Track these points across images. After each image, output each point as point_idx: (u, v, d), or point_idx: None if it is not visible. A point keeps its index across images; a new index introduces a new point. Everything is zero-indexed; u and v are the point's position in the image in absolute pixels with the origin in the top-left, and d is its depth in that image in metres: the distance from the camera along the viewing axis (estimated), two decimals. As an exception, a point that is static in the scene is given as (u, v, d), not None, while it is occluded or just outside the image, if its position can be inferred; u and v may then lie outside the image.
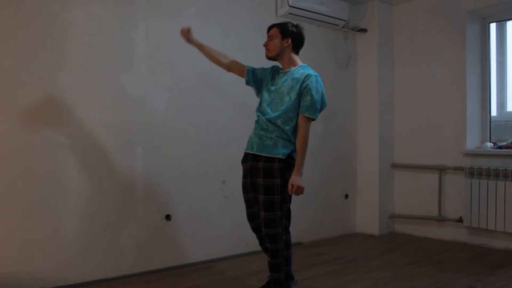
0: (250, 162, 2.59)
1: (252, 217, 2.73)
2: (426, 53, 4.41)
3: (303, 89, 2.50)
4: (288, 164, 2.52)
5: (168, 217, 3.34)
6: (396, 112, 4.67)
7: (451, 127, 4.22)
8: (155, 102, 3.28)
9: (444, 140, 4.27)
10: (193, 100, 3.48)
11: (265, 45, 2.67)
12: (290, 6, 3.90)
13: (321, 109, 2.58)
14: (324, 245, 4.09)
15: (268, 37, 2.66)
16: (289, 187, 2.48)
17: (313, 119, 2.52)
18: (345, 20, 4.38)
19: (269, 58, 2.69)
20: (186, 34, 2.82)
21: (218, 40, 3.63)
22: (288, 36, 2.60)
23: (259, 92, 2.81)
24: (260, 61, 3.89)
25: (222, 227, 3.64)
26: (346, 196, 4.59)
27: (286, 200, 2.59)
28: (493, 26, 4.26)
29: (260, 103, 2.69)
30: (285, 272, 2.60)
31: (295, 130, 2.53)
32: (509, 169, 3.76)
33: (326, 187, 4.40)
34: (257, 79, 2.81)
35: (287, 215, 2.68)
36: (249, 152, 2.62)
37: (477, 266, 3.37)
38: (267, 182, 2.49)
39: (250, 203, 2.69)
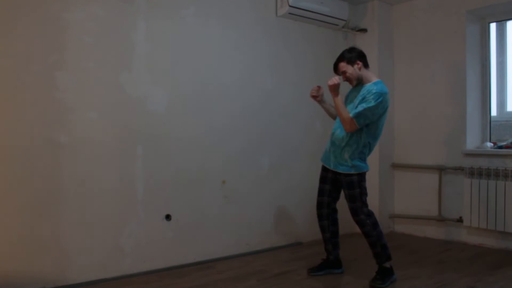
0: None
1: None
2: (426, 53, 4.41)
3: (362, 98, 2.88)
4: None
5: (168, 217, 3.34)
6: (396, 112, 4.67)
7: (451, 127, 4.22)
8: (155, 102, 3.28)
9: (444, 140, 4.27)
10: (193, 100, 3.48)
11: (345, 80, 3.02)
12: (290, 6, 3.90)
13: (368, 123, 2.88)
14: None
15: (342, 73, 3.01)
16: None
17: (356, 120, 2.84)
18: (345, 20, 4.38)
19: (355, 86, 3.05)
20: (318, 96, 3.16)
21: (218, 40, 3.63)
22: (354, 60, 2.96)
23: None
24: (260, 60, 3.91)
25: (222, 227, 3.64)
26: (346, 196, 4.58)
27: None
28: (493, 26, 4.26)
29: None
30: (382, 245, 2.96)
31: (359, 137, 2.93)
32: (509, 169, 3.77)
33: (326, 187, 4.40)
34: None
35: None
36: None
37: (477, 266, 3.37)
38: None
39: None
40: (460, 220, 4.13)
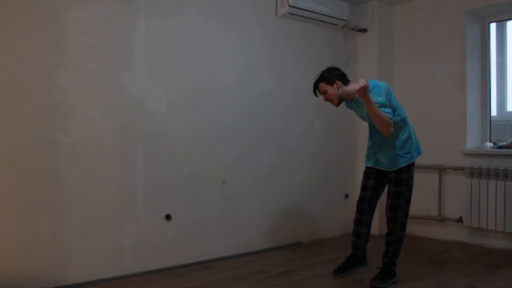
0: None
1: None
2: (426, 53, 4.41)
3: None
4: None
5: (168, 217, 3.34)
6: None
7: (451, 127, 4.22)
8: (155, 102, 3.28)
9: (444, 140, 4.27)
10: (193, 99, 3.48)
11: (326, 100, 3.01)
12: (290, 6, 3.89)
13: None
14: (324, 245, 4.09)
15: (322, 94, 3.01)
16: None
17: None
18: (345, 20, 4.38)
19: (338, 105, 3.05)
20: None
21: (218, 40, 3.63)
22: (333, 80, 2.95)
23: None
24: (260, 60, 3.91)
25: (222, 227, 3.64)
26: (346, 196, 4.59)
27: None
28: (493, 26, 4.26)
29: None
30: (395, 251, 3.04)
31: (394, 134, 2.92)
32: (509, 169, 3.77)
33: (326, 187, 4.41)
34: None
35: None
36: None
37: (477, 266, 3.37)
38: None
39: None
40: (460, 220, 4.13)
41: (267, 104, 3.96)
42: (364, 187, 3.14)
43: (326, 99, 3.01)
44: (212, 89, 3.59)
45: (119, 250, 3.11)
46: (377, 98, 2.74)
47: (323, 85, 2.98)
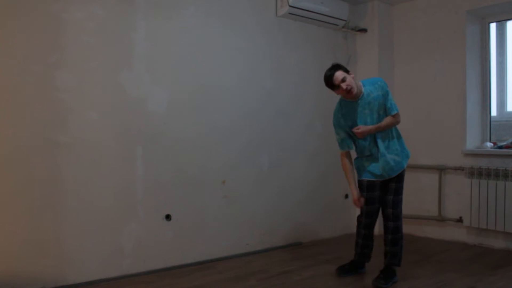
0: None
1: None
2: (426, 53, 4.41)
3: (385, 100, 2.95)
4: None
5: (168, 217, 3.34)
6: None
7: (451, 127, 4.22)
8: (155, 102, 3.28)
9: (444, 140, 4.27)
10: (193, 99, 3.48)
11: (346, 87, 2.83)
12: (290, 6, 3.89)
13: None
14: (324, 245, 4.09)
15: (340, 82, 2.84)
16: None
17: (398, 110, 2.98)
18: (345, 20, 4.38)
19: (353, 96, 2.89)
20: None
21: (218, 40, 3.63)
22: (347, 70, 2.92)
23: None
24: (260, 60, 3.91)
25: (222, 227, 3.64)
26: (346, 196, 4.58)
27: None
28: (493, 26, 4.26)
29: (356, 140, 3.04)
30: (402, 245, 3.04)
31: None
32: (509, 169, 3.77)
33: (326, 187, 4.40)
34: (350, 137, 3.06)
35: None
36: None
37: (477, 266, 3.37)
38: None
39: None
40: (460, 220, 4.13)
41: (267, 104, 3.96)
42: (371, 200, 3.03)
43: (347, 87, 2.82)
44: (212, 89, 3.58)
45: (119, 250, 3.11)
46: (391, 102, 2.94)
47: (341, 73, 2.84)
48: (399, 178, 3.03)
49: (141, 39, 3.21)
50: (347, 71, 2.90)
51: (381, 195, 3.05)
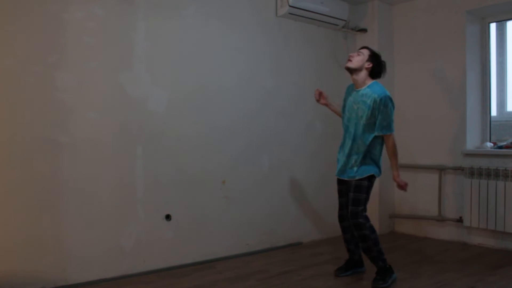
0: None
1: None
2: (426, 53, 4.41)
3: (376, 111, 2.96)
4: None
5: (168, 217, 3.34)
6: (396, 112, 4.64)
7: (451, 127, 4.22)
8: (155, 102, 3.28)
9: (444, 140, 4.27)
10: (193, 99, 3.48)
11: (351, 56, 3.02)
12: (290, 6, 3.90)
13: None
14: (324, 245, 4.09)
15: (357, 51, 3.03)
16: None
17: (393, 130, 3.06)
18: (345, 20, 4.38)
19: (348, 68, 3.03)
20: (322, 100, 3.26)
21: (218, 40, 3.63)
22: (372, 62, 2.98)
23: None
24: (260, 60, 3.91)
25: (222, 227, 3.64)
26: (346, 196, 4.58)
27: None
28: (493, 26, 4.26)
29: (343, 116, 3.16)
30: (378, 250, 2.96)
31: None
32: (509, 169, 3.77)
33: (326, 187, 4.40)
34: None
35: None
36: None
37: (477, 266, 3.37)
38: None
39: None
40: (460, 220, 4.13)
41: (267, 104, 3.96)
42: (340, 193, 3.20)
43: (352, 57, 3.01)
44: (212, 89, 3.59)
45: (119, 250, 3.11)
46: (386, 122, 3.00)
47: (365, 51, 3.01)
48: (355, 188, 2.99)
49: (141, 39, 3.21)
50: (370, 58, 2.97)
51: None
